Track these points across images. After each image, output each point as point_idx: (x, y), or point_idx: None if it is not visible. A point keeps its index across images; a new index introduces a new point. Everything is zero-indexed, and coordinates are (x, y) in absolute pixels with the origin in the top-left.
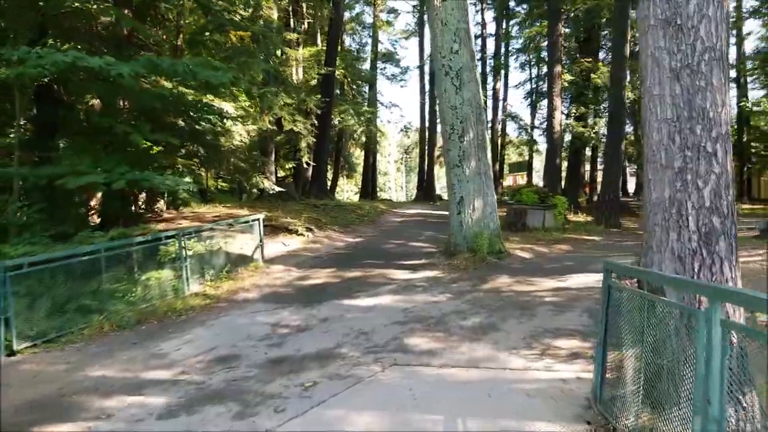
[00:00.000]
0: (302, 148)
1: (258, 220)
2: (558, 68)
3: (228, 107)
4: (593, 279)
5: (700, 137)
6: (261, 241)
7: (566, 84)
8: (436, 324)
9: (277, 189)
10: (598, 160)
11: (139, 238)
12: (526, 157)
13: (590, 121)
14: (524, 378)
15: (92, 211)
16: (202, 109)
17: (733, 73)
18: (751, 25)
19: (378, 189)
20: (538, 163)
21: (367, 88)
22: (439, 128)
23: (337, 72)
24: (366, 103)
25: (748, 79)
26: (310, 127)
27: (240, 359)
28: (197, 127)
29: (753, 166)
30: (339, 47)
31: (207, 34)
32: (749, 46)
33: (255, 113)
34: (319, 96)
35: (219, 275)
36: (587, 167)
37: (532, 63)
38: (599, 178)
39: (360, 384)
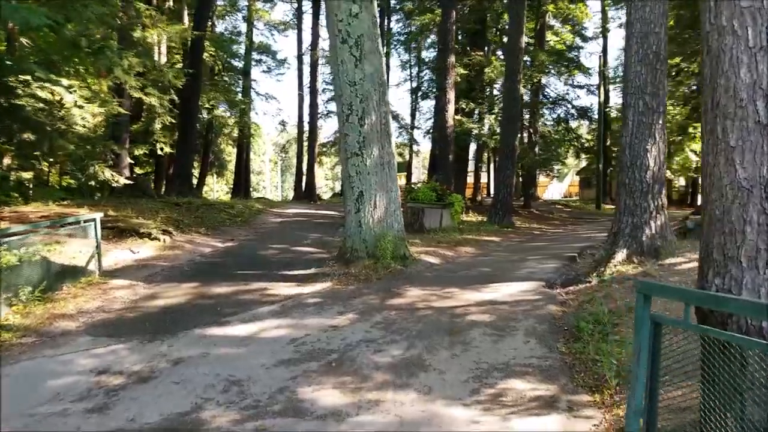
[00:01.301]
0: (157, 130)
1: (93, 220)
2: (452, 58)
3: (64, 82)
4: (518, 289)
5: None
6: (98, 248)
7: (458, 79)
8: (340, 362)
9: (123, 181)
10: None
11: None
12: (407, 158)
13: (476, 116)
14: None
15: None
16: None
17: (595, 80)
18: (614, 36)
19: (252, 189)
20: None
21: (249, 81)
22: (334, 108)
23: (206, 55)
24: (240, 94)
25: (610, 87)
26: (168, 103)
27: None
28: (17, 102)
29: (612, 169)
30: (210, 30)
31: None
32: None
33: (105, 95)
34: (181, 67)
35: (33, 296)
36: (470, 167)
37: (413, 63)
38: (482, 179)
39: None
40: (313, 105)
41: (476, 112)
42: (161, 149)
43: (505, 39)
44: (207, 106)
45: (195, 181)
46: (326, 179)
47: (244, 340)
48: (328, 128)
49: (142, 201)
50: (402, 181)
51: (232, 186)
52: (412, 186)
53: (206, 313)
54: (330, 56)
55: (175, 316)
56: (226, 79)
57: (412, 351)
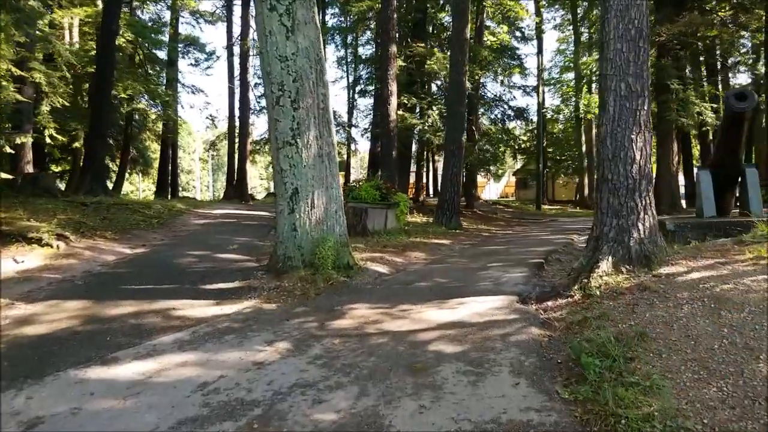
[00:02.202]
0: (44, 112)
1: None
2: (393, 48)
3: None
4: (488, 305)
5: None
6: None
7: (398, 71)
8: (265, 421)
9: (2, 176)
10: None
11: None
12: (345, 157)
13: (418, 111)
14: None
15: None
16: None
17: (533, 81)
18: (550, 37)
19: (181, 188)
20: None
21: (174, 73)
22: (262, 91)
23: (123, 41)
24: (164, 86)
25: (546, 89)
26: (58, 81)
27: None
28: None
29: (549, 170)
30: (129, 14)
31: None
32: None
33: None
34: (86, 51)
35: None
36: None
37: (350, 60)
38: (423, 178)
39: None
40: (244, 99)
41: (418, 107)
42: (50, 137)
43: (445, 35)
44: (123, 95)
45: (113, 178)
46: (261, 179)
47: (134, 386)
48: (261, 125)
49: (41, 200)
50: (341, 180)
51: (156, 184)
52: (353, 184)
53: (91, 345)
54: (256, 27)
55: (49, 349)
56: (150, 71)
57: (365, 401)
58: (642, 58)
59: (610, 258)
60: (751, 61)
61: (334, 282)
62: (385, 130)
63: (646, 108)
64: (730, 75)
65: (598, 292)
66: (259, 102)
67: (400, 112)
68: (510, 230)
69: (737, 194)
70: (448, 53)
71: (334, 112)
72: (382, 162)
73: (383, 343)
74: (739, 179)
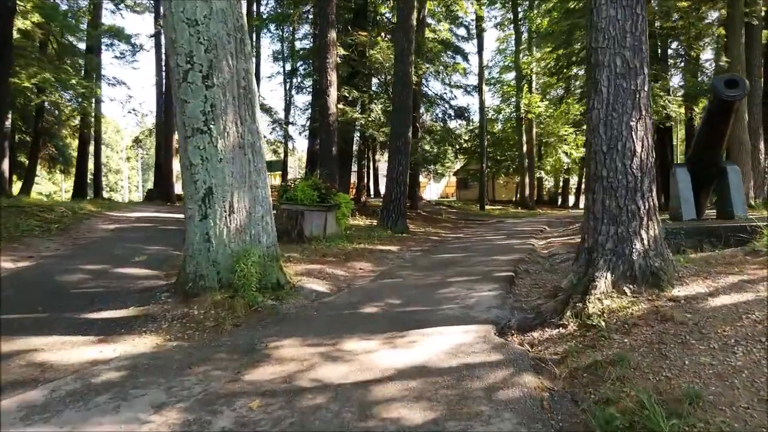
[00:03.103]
0: None
1: None
2: (333, 33)
3: None
4: (458, 339)
5: None
6: None
7: (338, 60)
8: None
9: None
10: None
11: None
12: (282, 156)
13: (359, 106)
14: None
15: None
16: None
17: (474, 80)
18: (491, 37)
19: (108, 189)
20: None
21: (94, 63)
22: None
23: (29, 24)
24: (83, 77)
25: (486, 88)
26: None
27: None
28: None
29: (489, 170)
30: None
31: None
32: (486, 56)
33: None
34: None
35: None
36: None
37: (287, 55)
38: (368, 179)
39: None
40: (170, 91)
41: (360, 102)
42: None
43: (388, 27)
44: (26, 84)
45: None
46: None
47: None
48: None
49: None
50: (276, 181)
51: (74, 184)
52: (288, 184)
53: None
54: None
55: None
56: (67, 60)
57: None
58: (640, 28)
59: (608, 275)
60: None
61: (260, 307)
62: (324, 124)
63: (646, 89)
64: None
65: (601, 322)
66: None
67: (340, 106)
68: (460, 233)
69: (710, 194)
70: (393, 43)
71: (270, 108)
72: (321, 159)
73: (321, 406)
74: (716, 178)
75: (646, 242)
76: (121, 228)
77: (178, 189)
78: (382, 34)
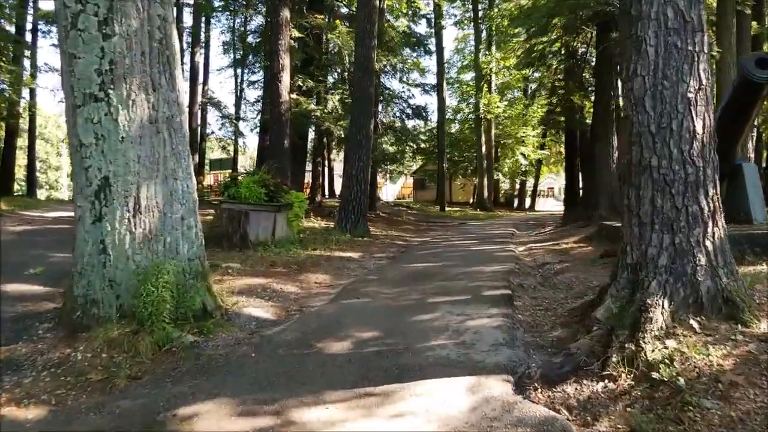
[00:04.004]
0: None
1: None
2: (286, 12)
3: None
4: (463, 406)
5: None
6: None
7: (293, 43)
8: None
9: None
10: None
11: None
12: (232, 153)
13: (315, 97)
14: None
15: None
16: None
17: (432, 79)
18: (449, 36)
19: (48, 186)
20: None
21: (21, 49)
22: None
23: None
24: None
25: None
26: None
27: None
28: None
29: (447, 171)
30: None
31: None
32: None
33: None
34: None
35: None
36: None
37: (237, 47)
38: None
39: None
40: None
41: (315, 93)
42: None
43: (346, 12)
44: None
45: None
46: None
47: None
48: None
49: None
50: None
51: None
52: (230, 180)
53: None
54: None
55: None
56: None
57: None
58: None
59: (665, 303)
60: None
61: (174, 347)
62: (275, 114)
63: (706, 51)
64: None
65: (677, 377)
66: None
67: (294, 96)
68: (426, 237)
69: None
70: (354, 26)
71: (219, 102)
72: (271, 153)
73: None
74: (727, 177)
75: (713, 256)
76: (30, 231)
77: None
78: (340, 20)
